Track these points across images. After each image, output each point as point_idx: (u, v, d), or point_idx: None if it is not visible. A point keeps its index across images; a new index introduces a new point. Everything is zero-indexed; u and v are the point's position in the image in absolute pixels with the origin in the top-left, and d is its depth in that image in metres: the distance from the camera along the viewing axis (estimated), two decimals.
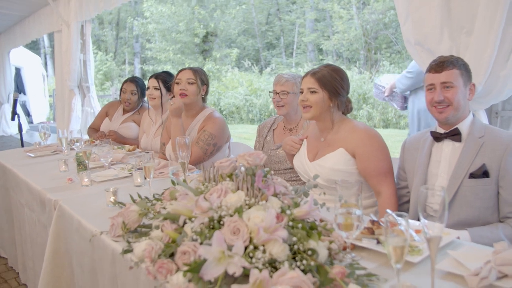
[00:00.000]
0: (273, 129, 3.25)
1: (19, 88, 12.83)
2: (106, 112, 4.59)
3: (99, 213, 2.23)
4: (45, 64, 20.02)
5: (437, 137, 2.26)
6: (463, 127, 2.20)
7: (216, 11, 19.74)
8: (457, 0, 2.55)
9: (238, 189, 1.62)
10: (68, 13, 7.38)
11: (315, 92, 2.50)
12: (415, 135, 2.50)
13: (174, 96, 3.35)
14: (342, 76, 2.54)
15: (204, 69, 3.68)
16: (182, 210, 1.62)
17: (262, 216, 1.46)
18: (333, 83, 2.49)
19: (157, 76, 3.86)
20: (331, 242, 1.50)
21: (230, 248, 1.40)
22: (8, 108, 12.19)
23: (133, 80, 4.42)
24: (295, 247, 1.42)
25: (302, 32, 21.32)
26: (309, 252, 1.41)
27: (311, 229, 1.52)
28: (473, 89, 2.22)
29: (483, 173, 2.06)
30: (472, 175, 2.08)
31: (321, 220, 1.63)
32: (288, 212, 1.51)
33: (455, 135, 2.20)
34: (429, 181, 2.26)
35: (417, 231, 1.74)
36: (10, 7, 8.73)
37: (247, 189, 1.60)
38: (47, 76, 15.03)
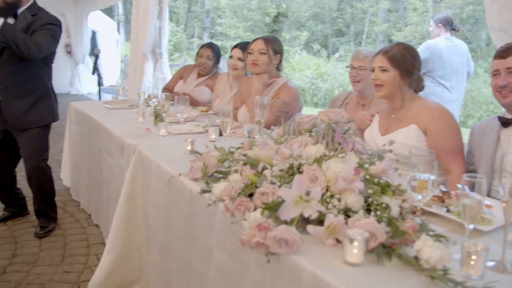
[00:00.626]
0: (346, 103, 3.30)
1: (96, 67, 13.39)
2: (181, 75, 4.77)
3: (176, 159, 2.37)
4: (118, 30, 20.70)
5: (505, 123, 2.27)
6: None
7: None
8: None
9: (317, 143, 1.71)
10: None
11: (386, 70, 2.53)
12: (484, 120, 2.51)
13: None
14: (414, 54, 2.56)
15: None
16: (263, 157, 1.73)
17: (341, 167, 1.54)
18: (404, 61, 2.51)
19: (242, 47, 3.95)
20: (403, 201, 1.56)
21: (307, 193, 1.49)
22: (83, 68, 12.78)
23: (210, 45, 4.57)
24: (370, 199, 1.50)
25: (374, 22, 20.94)
26: (383, 205, 1.48)
27: (386, 187, 1.59)
28: None
29: None
30: None
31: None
32: (366, 166, 1.58)
33: None
34: (496, 165, 2.26)
35: (488, 206, 1.77)
36: None
37: (327, 143, 1.68)
38: (119, 42, 15.54)
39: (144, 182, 2.55)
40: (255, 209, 1.57)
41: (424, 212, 1.74)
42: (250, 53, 3.43)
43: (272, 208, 1.48)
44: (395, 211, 1.49)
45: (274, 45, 3.40)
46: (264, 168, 1.72)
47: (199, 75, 4.60)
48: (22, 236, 3.64)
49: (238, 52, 3.89)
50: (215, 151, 2.01)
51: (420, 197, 1.59)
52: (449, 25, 4.90)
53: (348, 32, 22.24)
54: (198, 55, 4.57)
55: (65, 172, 4.64)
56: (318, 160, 1.59)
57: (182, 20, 23.97)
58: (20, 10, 3.40)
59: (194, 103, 4.40)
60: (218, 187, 1.75)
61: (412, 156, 1.57)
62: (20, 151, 3.65)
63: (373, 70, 2.60)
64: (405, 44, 2.62)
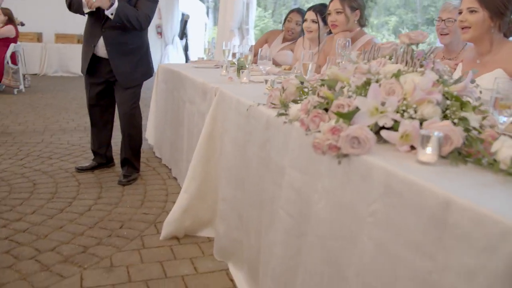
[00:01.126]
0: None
1: (184, 32, 13.80)
2: (266, 39, 4.82)
3: (256, 97, 2.42)
4: (207, 15, 21.24)
5: None
6: None
7: None
8: None
9: (397, 63, 1.68)
10: None
11: (475, 11, 2.41)
12: None
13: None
14: None
15: None
16: (340, 76, 1.73)
17: (419, 80, 1.51)
18: (495, 1, 2.38)
19: (314, 8, 3.95)
20: (484, 118, 1.50)
21: (383, 104, 1.48)
22: (171, 49, 13.24)
23: (299, 11, 4.59)
24: (447, 112, 1.46)
25: None
26: (461, 116, 1.43)
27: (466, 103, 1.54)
28: None
29: None
30: None
31: None
32: (446, 79, 1.54)
33: None
34: None
35: None
36: None
37: (406, 62, 1.65)
38: (207, 25, 15.93)
39: (223, 122, 2.63)
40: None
41: None
42: (329, 14, 3.42)
43: (347, 116, 1.48)
44: (474, 124, 1.44)
45: (351, 2, 3.36)
46: (342, 88, 1.72)
47: (285, 40, 4.64)
48: (107, 182, 3.87)
49: (311, 15, 3.90)
50: (294, 79, 2.03)
51: (504, 119, 1.53)
52: None
53: None
54: (286, 19, 4.60)
55: (150, 131, 4.87)
56: (396, 75, 1.56)
57: (270, 6, 24.16)
58: None
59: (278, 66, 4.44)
60: (295, 107, 1.78)
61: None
62: (116, 98, 3.95)
63: (460, 13, 2.49)
64: None
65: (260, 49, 3.42)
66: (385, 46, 1.82)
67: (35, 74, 11.21)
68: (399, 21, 20.17)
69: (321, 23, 3.88)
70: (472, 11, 2.43)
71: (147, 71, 3.95)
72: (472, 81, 1.75)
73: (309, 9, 4.00)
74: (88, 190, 3.67)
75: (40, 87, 9.50)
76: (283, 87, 1.98)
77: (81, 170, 4.12)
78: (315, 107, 1.64)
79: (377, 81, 1.59)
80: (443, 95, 1.52)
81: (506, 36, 2.49)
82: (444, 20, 3.03)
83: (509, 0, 2.41)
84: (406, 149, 1.37)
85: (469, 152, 1.32)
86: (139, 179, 3.98)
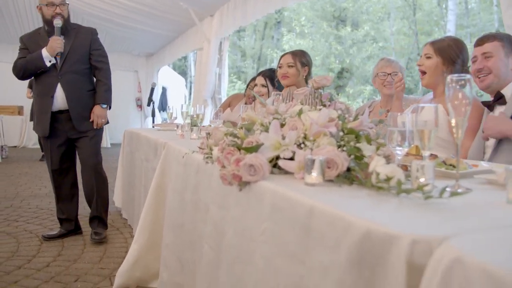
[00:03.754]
0: (370, 111, 3.42)
1: (163, 105, 14.15)
2: (229, 103, 5.05)
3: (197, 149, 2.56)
4: (190, 88, 21.84)
5: (489, 106, 2.44)
6: (506, 91, 2.38)
7: (352, 47, 20.20)
8: None
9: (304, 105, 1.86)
10: (210, 30, 8.17)
11: (429, 57, 2.71)
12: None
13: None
14: (460, 46, 2.70)
15: None
16: (254, 118, 1.89)
17: (317, 116, 1.67)
18: (448, 50, 2.67)
19: (264, 74, 4.24)
20: (379, 147, 1.64)
21: (283, 138, 1.63)
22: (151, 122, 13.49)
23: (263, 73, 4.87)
24: (342, 142, 1.60)
25: None
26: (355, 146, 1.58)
27: (368, 140, 1.68)
28: None
29: None
30: None
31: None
32: (343, 116, 1.70)
33: (499, 98, 2.38)
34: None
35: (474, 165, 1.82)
36: (164, 27, 9.85)
37: (311, 103, 1.82)
38: (188, 97, 16.35)
39: (170, 173, 2.75)
40: None
41: (407, 169, 1.80)
42: (280, 67, 3.67)
43: (252, 149, 1.62)
44: (367, 153, 1.58)
45: (301, 58, 3.62)
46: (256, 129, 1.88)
47: (248, 103, 4.86)
48: (69, 241, 3.92)
49: (260, 80, 4.19)
50: (223, 126, 2.19)
51: (399, 150, 1.67)
52: None
53: (417, 89, 22.17)
54: (248, 87, 4.84)
55: (117, 194, 4.95)
56: (299, 113, 1.73)
57: (243, 76, 25.03)
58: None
59: None
60: (216, 150, 1.92)
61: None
62: (79, 156, 3.98)
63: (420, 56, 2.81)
64: (454, 37, 2.80)
65: (219, 112, 3.61)
66: (299, 92, 2.00)
67: (15, 146, 11.34)
68: (374, 89, 21.00)
69: (270, 87, 4.13)
70: (428, 57, 2.73)
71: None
72: (380, 121, 1.92)
73: (259, 74, 4.26)
74: (49, 248, 3.71)
75: (18, 157, 9.62)
76: (209, 133, 2.13)
77: (48, 238, 3.99)
78: (229, 145, 1.79)
79: (284, 121, 1.75)
80: (342, 129, 1.68)
81: None
82: (390, 74, 3.36)
83: (461, 51, 2.70)
84: (301, 176, 1.50)
85: (356, 177, 1.45)
86: None
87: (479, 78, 2.43)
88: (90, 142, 3.92)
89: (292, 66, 3.60)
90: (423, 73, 2.75)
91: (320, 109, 1.73)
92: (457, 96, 1.36)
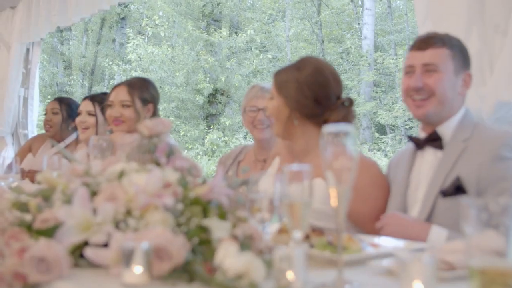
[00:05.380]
0: (239, 161, 3.50)
1: None
2: (29, 146, 4.98)
3: None
4: None
5: (418, 144, 2.48)
6: (446, 129, 2.40)
7: (230, 59, 20.35)
8: None
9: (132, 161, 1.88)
10: (10, 31, 7.79)
11: (272, 98, 2.76)
12: (403, 147, 2.72)
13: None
14: (312, 77, 2.68)
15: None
16: (55, 182, 1.87)
17: (145, 181, 1.70)
18: (288, 86, 2.68)
19: (92, 97, 4.23)
20: (235, 224, 1.71)
21: (94, 212, 1.63)
22: None
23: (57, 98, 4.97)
24: (181, 219, 1.64)
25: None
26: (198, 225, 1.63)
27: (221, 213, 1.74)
28: (468, 80, 2.45)
29: (457, 189, 2.23)
30: (444, 193, 2.26)
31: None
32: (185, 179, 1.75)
33: (435, 140, 2.40)
34: (408, 198, 2.47)
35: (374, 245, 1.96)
36: None
37: (140, 158, 1.86)
38: None
39: None
40: None
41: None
42: (110, 105, 3.67)
43: (47, 233, 1.61)
44: (219, 234, 1.63)
45: (143, 93, 3.62)
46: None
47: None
48: None
49: (88, 105, 4.13)
50: (8, 192, 2.13)
51: (267, 228, 1.76)
52: None
53: None
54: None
55: None
56: (119, 175, 1.74)
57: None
58: None
59: None
60: None
61: None
62: None
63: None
64: (308, 65, 2.74)
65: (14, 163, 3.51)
66: (125, 142, 2.03)
67: None
68: None
69: (100, 117, 4.08)
70: (271, 98, 2.76)
71: None
72: (245, 182, 2.00)
73: (85, 98, 4.22)
74: None
75: None
76: None
77: None
78: (12, 225, 1.75)
79: (97, 185, 1.76)
80: (184, 200, 1.72)
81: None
82: (261, 109, 3.34)
83: (311, 85, 2.69)
84: (119, 271, 1.51)
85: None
86: None
87: (415, 101, 2.41)
88: None
89: (128, 106, 3.60)
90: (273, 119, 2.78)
91: (150, 170, 1.76)
92: (336, 155, 1.46)
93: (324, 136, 1.46)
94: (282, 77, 2.73)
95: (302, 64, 2.76)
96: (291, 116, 2.70)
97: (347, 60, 19.96)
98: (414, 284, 1.23)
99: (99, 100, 4.15)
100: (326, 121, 2.70)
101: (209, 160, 17.25)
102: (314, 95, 2.69)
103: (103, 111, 3.99)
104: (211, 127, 20.17)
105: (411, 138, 2.52)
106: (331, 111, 2.73)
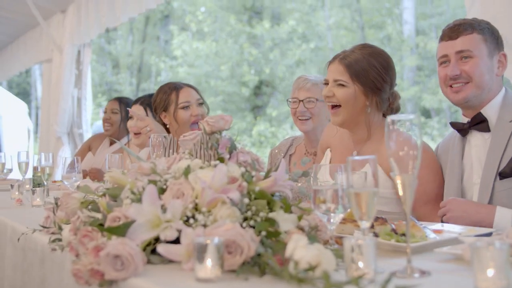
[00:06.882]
0: (291, 154, 3.50)
1: None
2: (89, 146, 5.02)
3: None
4: (36, 117, 21.18)
5: (461, 129, 2.47)
6: (491, 111, 2.39)
7: (273, 50, 20.35)
8: None
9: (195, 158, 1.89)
10: (62, 34, 7.88)
11: (343, 85, 2.61)
12: (447, 135, 2.71)
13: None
14: (384, 61, 2.65)
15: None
16: (123, 181, 1.89)
17: (210, 177, 1.71)
18: (369, 73, 2.60)
19: (142, 101, 4.26)
20: (301, 216, 1.71)
21: (164, 209, 1.64)
22: None
23: (118, 98, 5.02)
24: (249, 213, 1.65)
25: None
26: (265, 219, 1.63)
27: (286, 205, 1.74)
28: (503, 60, 2.44)
29: None
30: (502, 175, 2.25)
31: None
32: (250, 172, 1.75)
33: (480, 123, 2.39)
34: (464, 184, 2.44)
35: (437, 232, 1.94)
36: None
37: (204, 154, 1.86)
38: (34, 131, 15.85)
39: (2, 263, 2.67)
40: None
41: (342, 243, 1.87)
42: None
43: (118, 231, 1.62)
44: (286, 227, 1.64)
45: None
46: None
47: (112, 143, 4.84)
48: None
49: (139, 109, 4.18)
50: (77, 192, 2.16)
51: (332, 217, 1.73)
52: None
53: None
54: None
55: None
56: (185, 172, 1.75)
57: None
58: None
59: None
60: (67, 228, 1.89)
61: None
62: None
63: (326, 83, 2.70)
64: (370, 47, 2.72)
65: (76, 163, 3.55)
66: (187, 139, 2.03)
67: None
68: None
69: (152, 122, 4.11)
70: (340, 84, 2.62)
71: None
72: (306, 174, 2.00)
73: (135, 101, 4.25)
74: None
75: None
76: (57, 204, 2.10)
77: None
78: (85, 223, 1.78)
79: (165, 183, 1.77)
80: (249, 194, 1.72)
81: (385, 116, 2.68)
82: (302, 100, 3.31)
83: (387, 70, 2.65)
84: (191, 266, 1.52)
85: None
86: None
87: (452, 87, 2.42)
88: None
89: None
90: (335, 106, 2.65)
91: (215, 165, 1.77)
92: (401, 145, 1.45)
93: (389, 125, 1.44)
94: (356, 64, 2.62)
95: (367, 49, 2.69)
96: (366, 104, 2.65)
97: (388, 46, 19.65)
98: (487, 270, 1.21)
99: (148, 102, 4.14)
100: (387, 110, 2.73)
101: (257, 151, 17.24)
102: (391, 81, 2.68)
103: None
104: (258, 118, 20.24)
105: (454, 125, 2.52)
106: (393, 99, 2.75)
